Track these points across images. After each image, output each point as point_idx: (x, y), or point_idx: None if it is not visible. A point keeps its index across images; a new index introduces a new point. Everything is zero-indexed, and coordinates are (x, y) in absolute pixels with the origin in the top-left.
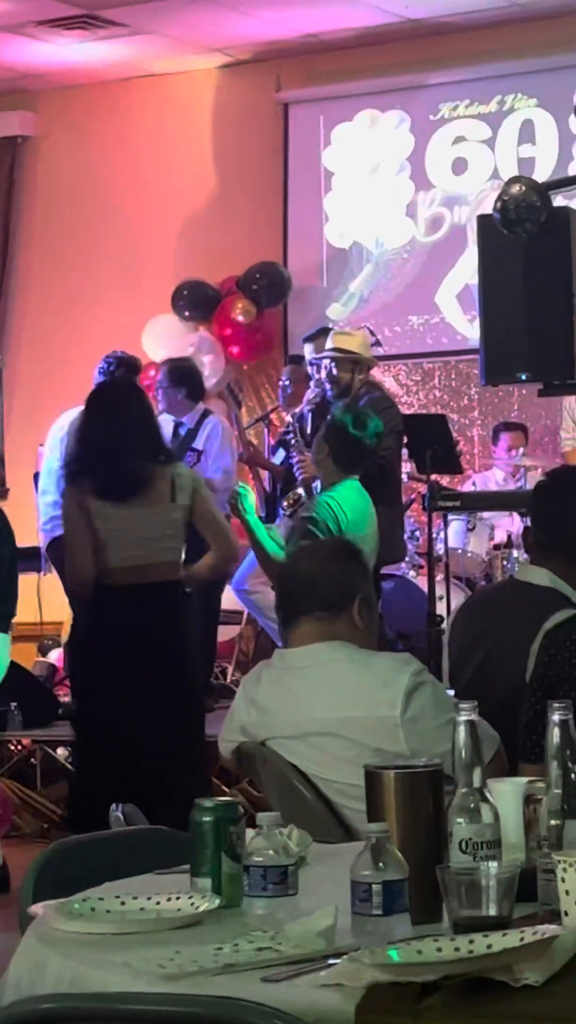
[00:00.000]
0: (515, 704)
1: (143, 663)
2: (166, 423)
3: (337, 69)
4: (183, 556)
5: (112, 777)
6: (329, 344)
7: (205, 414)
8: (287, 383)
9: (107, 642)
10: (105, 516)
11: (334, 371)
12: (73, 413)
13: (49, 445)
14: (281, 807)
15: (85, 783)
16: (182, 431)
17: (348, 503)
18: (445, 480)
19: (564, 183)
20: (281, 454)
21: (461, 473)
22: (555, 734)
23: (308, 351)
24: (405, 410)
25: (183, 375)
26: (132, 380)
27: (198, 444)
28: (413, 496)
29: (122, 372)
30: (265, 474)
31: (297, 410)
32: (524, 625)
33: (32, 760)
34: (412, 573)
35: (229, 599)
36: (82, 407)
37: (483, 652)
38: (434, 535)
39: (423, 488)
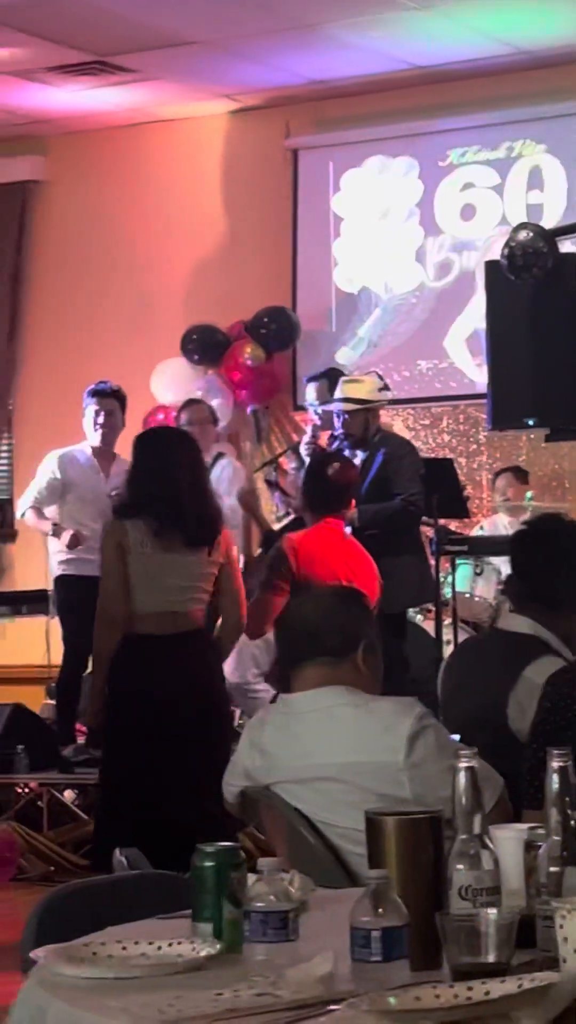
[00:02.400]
0: (502, 751)
1: (176, 710)
2: None
3: (346, 115)
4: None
5: (138, 821)
6: (338, 394)
7: (219, 455)
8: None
9: (139, 689)
10: (143, 557)
11: (348, 420)
12: (58, 454)
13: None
14: (286, 851)
15: (112, 826)
16: None
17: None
18: (453, 524)
19: (571, 229)
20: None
21: (468, 517)
22: (554, 780)
23: (311, 391)
24: None
25: (215, 416)
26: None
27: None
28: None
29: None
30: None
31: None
32: (506, 673)
33: (39, 803)
34: (420, 618)
35: None
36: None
37: (468, 700)
38: (441, 579)
39: (431, 532)
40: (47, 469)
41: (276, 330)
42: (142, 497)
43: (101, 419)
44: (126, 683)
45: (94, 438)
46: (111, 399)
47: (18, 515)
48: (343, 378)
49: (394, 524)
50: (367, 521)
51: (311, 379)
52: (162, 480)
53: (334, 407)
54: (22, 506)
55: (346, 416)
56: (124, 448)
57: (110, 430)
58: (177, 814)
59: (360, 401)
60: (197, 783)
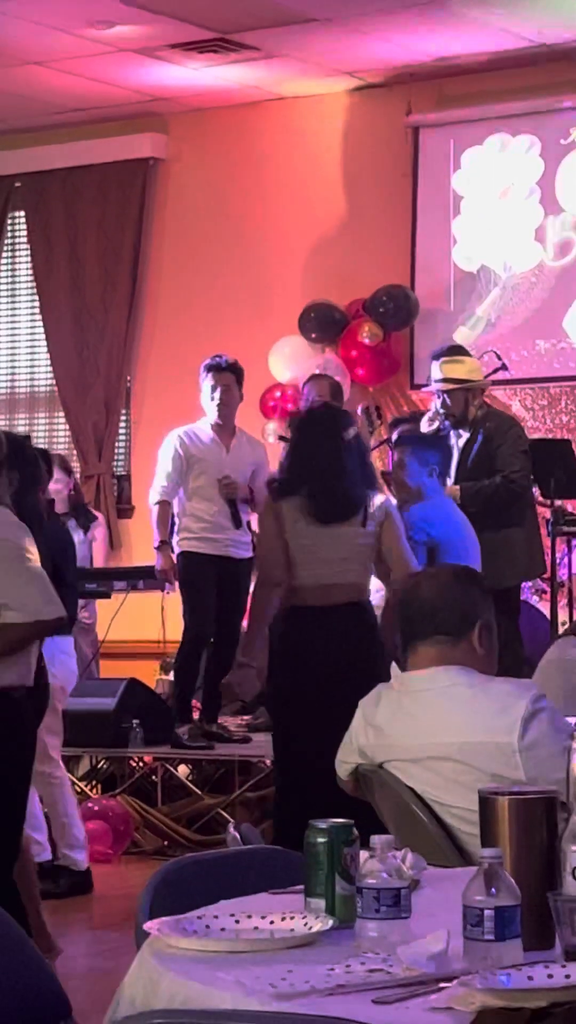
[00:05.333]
0: None
1: (335, 681)
2: None
3: (468, 93)
4: (369, 580)
5: (312, 794)
6: (437, 375)
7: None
8: (317, 399)
9: (299, 661)
10: (298, 533)
11: (447, 401)
12: (179, 432)
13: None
14: (398, 829)
15: (290, 802)
16: None
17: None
18: (570, 505)
19: None
20: None
21: None
22: None
23: (436, 369)
24: (531, 434)
25: (340, 391)
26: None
27: None
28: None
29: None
30: None
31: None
32: None
33: (153, 777)
34: (535, 598)
35: None
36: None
37: None
38: (558, 560)
39: (547, 513)
40: (170, 449)
41: (394, 309)
42: (294, 476)
43: (218, 394)
44: (278, 654)
45: (212, 414)
46: (227, 373)
47: (151, 503)
48: (443, 359)
49: (494, 502)
50: (469, 499)
51: (435, 356)
52: (313, 457)
53: (433, 387)
54: (153, 496)
55: (445, 396)
56: (244, 422)
57: (227, 405)
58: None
59: (459, 381)
60: None
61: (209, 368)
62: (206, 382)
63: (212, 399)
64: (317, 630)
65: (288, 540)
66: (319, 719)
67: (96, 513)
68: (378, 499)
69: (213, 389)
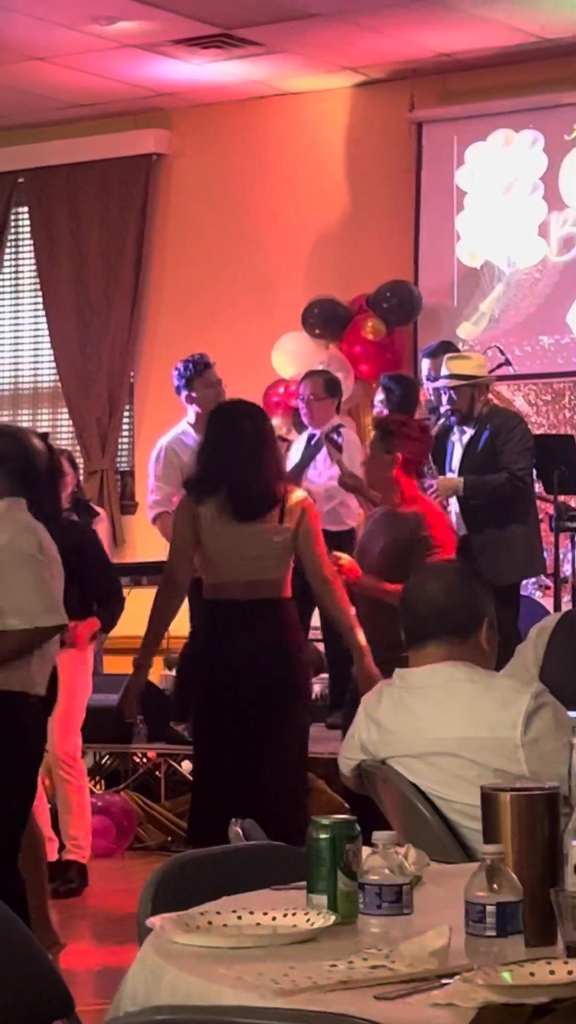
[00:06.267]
0: None
1: (255, 678)
2: (300, 439)
3: (471, 88)
4: (287, 576)
5: (229, 792)
6: (444, 371)
7: (339, 426)
8: (310, 398)
9: (220, 656)
10: (215, 532)
11: (454, 397)
12: (171, 435)
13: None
14: (401, 825)
15: (205, 797)
16: (312, 441)
17: None
18: (573, 501)
19: None
20: None
21: None
22: None
23: (426, 366)
24: (535, 430)
25: (336, 386)
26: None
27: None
28: (541, 517)
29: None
30: None
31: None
32: None
33: (156, 773)
34: (538, 594)
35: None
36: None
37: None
38: (561, 556)
39: (550, 508)
40: (161, 460)
41: (398, 304)
42: (209, 473)
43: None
44: (199, 649)
45: (191, 415)
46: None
47: (150, 519)
48: (449, 355)
49: (497, 497)
50: (471, 492)
51: (426, 354)
52: (219, 454)
53: (440, 383)
54: (151, 511)
55: (451, 392)
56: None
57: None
58: (259, 781)
59: (465, 377)
60: (272, 750)
61: (201, 367)
62: (199, 381)
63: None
64: (237, 625)
65: (205, 539)
66: (238, 713)
67: (98, 509)
68: (295, 495)
69: (209, 386)
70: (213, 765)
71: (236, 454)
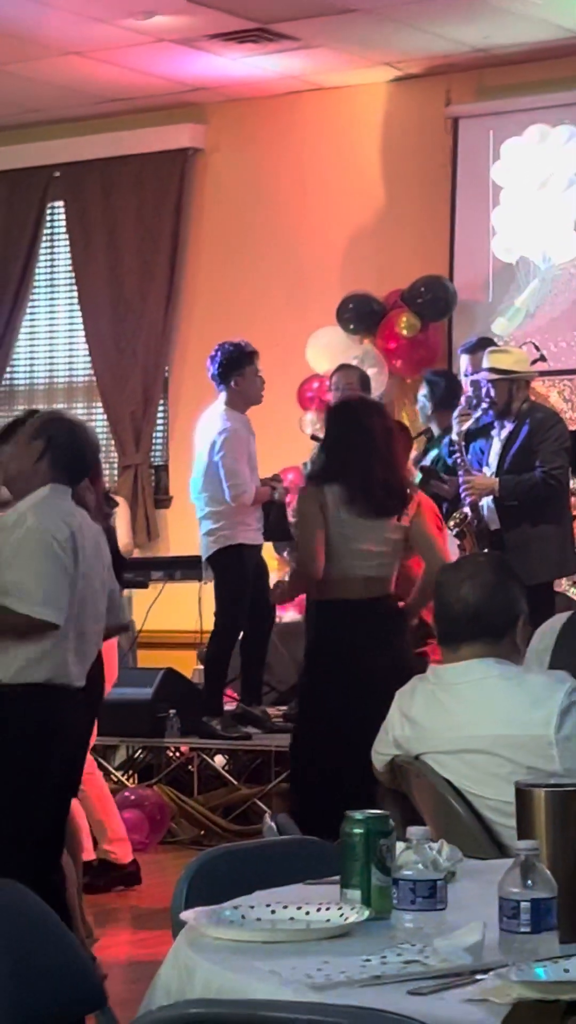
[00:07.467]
0: None
1: (367, 674)
2: None
3: (508, 83)
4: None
5: (335, 784)
6: (485, 363)
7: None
8: (346, 387)
9: (333, 653)
10: (338, 523)
11: (492, 392)
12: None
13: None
14: (435, 822)
15: (312, 791)
16: None
17: None
18: None
19: None
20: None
21: None
22: None
23: (464, 362)
24: (570, 426)
25: (368, 384)
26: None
27: None
28: (575, 514)
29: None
30: None
31: (463, 428)
32: None
33: (189, 767)
34: (573, 591)
35: None
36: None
37: None
38: None
39: None
40: (240, 445)
41: (432, 300)
42: (335, 465)
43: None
44: (322, 648)
45: (257, 400)
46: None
47: (247, 503)
48: (490, 348)
49: (533, 496)
50: (507, 492)
51: (465, 349)
52: (354, 450)
53: (481, 376)
54: (247, 498)
55: (489, 386)
56: (282, 414)
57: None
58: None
59: (505, 372)
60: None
61: (253, 354)
62: (249, 368)
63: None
64: (351, 624)
65: (327, 528)
66: (346, 713)
67: (117, 499)
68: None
69: (257, 375)
70: (320, 758)
71: (369, 450)
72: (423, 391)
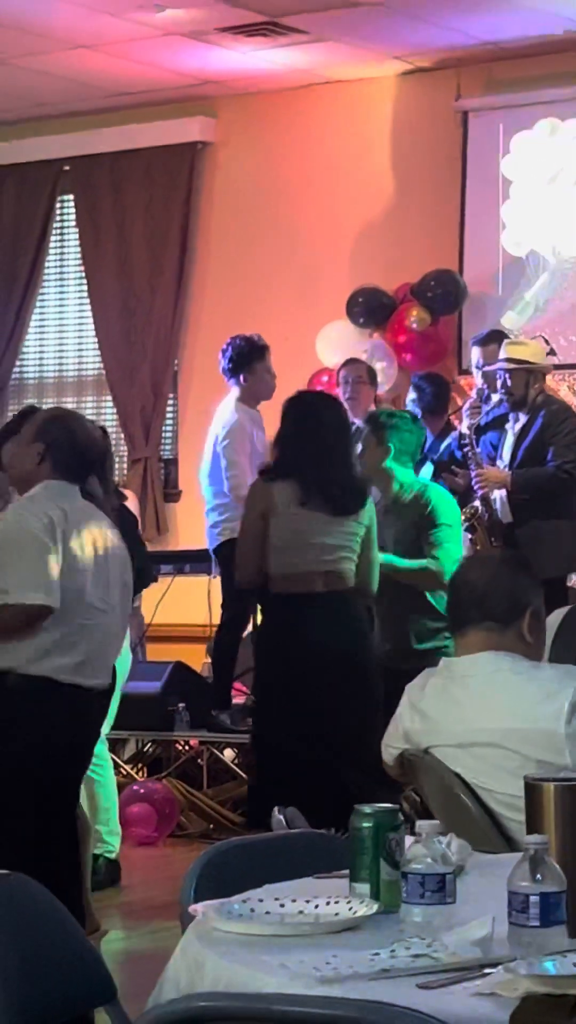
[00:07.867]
0: None
1: (324, 668)
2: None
3: (518, 77)
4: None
5: (289, 778)
6: (502, 354)
7: None
8: (356, 379)
9: (290, 646)
10: (291, 518)
11: (508, 382)
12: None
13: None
14: (444, 815)
15: (264, 783)
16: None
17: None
18: None
19: None
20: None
21: None
22: None
23: (476, 355)
24: None
25: (375, 377)
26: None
27: None
28: None
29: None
30: None
31: (474, 421)
32: None
33: (199, 761)
34: None
35: None
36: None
37: None
38: None
39: None
40: (242, 439)
41: (442, 294)
42: (288, 461)
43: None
44: (273, 642)
45: (268, 395)
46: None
47: (242, 494)
48: (507, 340)
49: (545, 490)
50: (520, 486)
51: (476, 341)
52: (309, 445)
53: (498, 366)
54: (240, 491)
55: (506, 376)
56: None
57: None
58: (321, 767)
59: (521, 362)
60: (336, 740)
61: (264, 349)
62: (260, 365)
63: (267, 380)
64: (303, 617)
65: (275, 525)
66: (301, 707)
67: (125, 492)
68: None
69: (268, 372)
70: (276, 751)
71: (325, 446)
72: (411, 396)
